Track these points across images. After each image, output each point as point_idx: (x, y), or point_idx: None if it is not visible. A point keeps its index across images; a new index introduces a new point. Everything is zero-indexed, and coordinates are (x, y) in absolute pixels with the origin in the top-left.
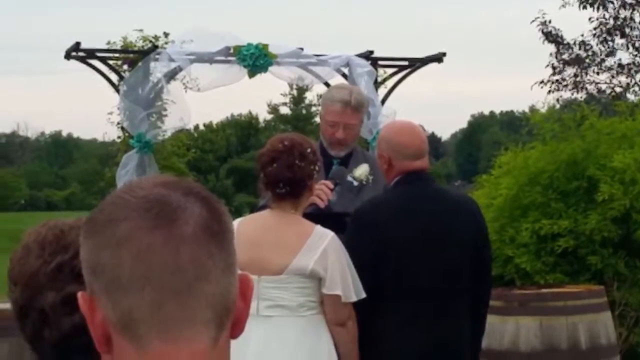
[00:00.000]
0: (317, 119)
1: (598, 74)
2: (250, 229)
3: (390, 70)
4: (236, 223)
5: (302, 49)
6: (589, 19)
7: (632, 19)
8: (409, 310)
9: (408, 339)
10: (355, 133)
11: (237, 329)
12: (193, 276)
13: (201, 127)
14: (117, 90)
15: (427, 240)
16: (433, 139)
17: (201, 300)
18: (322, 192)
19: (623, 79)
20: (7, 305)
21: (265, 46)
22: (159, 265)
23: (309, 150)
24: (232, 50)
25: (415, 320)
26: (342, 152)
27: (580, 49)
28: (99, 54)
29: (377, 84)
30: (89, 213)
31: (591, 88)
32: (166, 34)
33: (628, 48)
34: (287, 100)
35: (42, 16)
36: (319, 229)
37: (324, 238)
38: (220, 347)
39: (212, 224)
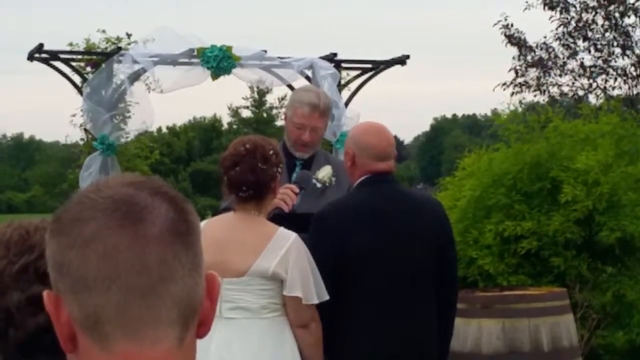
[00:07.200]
0: (279, 122)
1: (560, 76)
2: (214, 231)
3: (353, 73)
4: (201, 225)
5: (265, 51)
6: (555, 25)
7: (594, 21)
8: (374, 313)
9: (373, 341)
10: (321, 135)
11: (203, 329)
12: (159, 277)
13: (164, 130)
14: (80, 92)
15: (390, 242)
16: (396, 142)
17: (167, 300)
18: (287, 196)
19: (585, 81)
20: None
21: (229, 48)
22: (124, 266)
23: (271, 152)
24: (195, 52)
25: (380, 323)
26: (306, 154)
27: (541, 50)
28: (62, 56)
29: (340, 87)
30: (55, 212)
31: (554, 91)
32: (129, 35)
33: (590, 51)
34: (248, 103)
35: (3, 17)
36: (282, 230)
37: (287, 240)
38: (186, 347)
39: (178, 224)
